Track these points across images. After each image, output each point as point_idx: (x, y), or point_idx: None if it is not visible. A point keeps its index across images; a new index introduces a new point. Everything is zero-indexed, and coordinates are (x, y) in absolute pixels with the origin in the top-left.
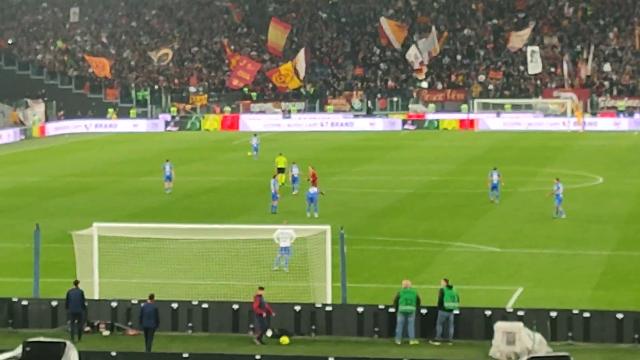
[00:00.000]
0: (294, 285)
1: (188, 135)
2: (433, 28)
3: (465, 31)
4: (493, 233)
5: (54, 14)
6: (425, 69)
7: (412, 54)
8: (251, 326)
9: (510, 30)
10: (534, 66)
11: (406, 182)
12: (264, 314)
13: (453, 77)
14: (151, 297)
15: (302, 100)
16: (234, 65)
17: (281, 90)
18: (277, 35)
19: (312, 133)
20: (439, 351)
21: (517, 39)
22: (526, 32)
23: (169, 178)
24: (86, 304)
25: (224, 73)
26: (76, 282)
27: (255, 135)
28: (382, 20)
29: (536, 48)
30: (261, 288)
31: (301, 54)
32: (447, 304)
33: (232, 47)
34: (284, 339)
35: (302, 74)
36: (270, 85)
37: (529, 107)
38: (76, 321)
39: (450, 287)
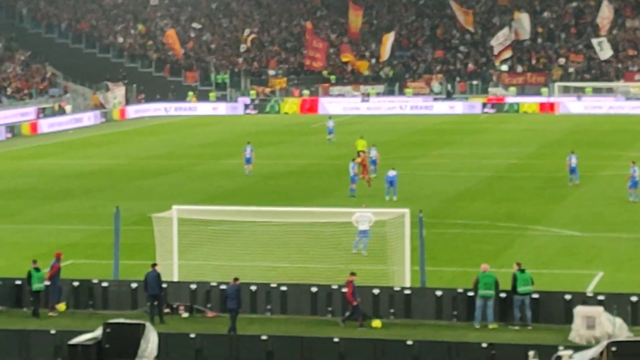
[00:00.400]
0: (372, 269)
1: (267, 118)
2: (521, 12)
3: (545, 14)
4: (573, 217)
5: None
6: (508, 53)
7: (501, 35)
8: (329, 309)
9: (590, 13)
10: (604, 53)
11: (485, 166)
12: (355, 303)
13: (533, 60)
14: (235, 279)
15: (381, 84)
16: (309, 46)
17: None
18: (353, 17)
19: (391, 116)
20: (518, 335)
21: (604, 21)
22: (609, 16)
23: (249, 160)
24: (164, 285)
25: (303, 56)
26: (154, 265)
27: (330, 118)
28: (451, 3)
29: (603, 39)
30: (353, 273)
31: (390, 37)
32: (520, 288)
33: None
34: (377, 322)
35: (385, 57)
36: (350, 69)
37: (610, 91)
38: (155, 303)
39: (522, 271)
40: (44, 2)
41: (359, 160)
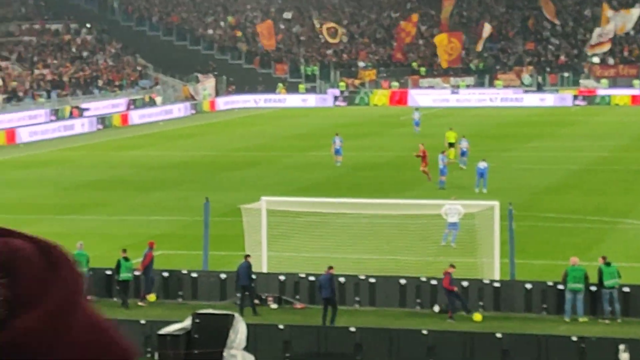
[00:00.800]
0: (461, 261)
1: (356, 110)
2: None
3: (637, 5)
4: None
5: None
6: (606, 47)
7: (603, 30)
8: (418, 301)
9: None
10: None
11: (576, 158)
12: (455, 289)
13: (625, 53)
14: (330, 267)
15: (471, 76)
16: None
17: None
18: (445, 8)
19: (480, 109)
20: (608, 329)
21: None
22: None
23: (338, 152)
24: (254, 277)
25: (393, 48)
26: (246, 256)
27: (417, 109)
28: None
29: None
30: (452, 266)
31: (486, 28)
32: (606, 282)
33: (402, 22)
34: (477, 316)
35: (479, 48)
36: (439, 61)
37: None
38: (246, 294)
39: (608, 264)
40: None
41: (418, 151)
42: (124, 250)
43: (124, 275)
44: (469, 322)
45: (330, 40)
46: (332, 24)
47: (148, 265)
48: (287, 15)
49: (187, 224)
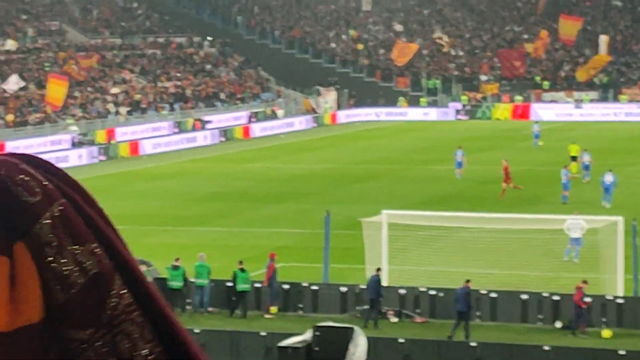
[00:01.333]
0: (583, 277)
1: (478, 124)
2: None
3: None
4: None
5: (347, 3)
6: None
7: None
8: (540, 316)
9: None
10: None
11: None
12: (585, 306)
13: None
14: (467, 281)
15: (595, 90)
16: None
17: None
18: (568, 27)
19: (605, 123)
20: None
21: None
22: None
23: (460, 164)
24: (381, 291)
25: (516, 61)
26: (377, 269)
27: (536, 122)
28: None
29: None
30: (584, 282)
31: (602, 42)
32: None
33: (526, 35)
34: (607, 332)
35: (598, 63)
36: (563, 74)
37: None
38: (371, 307)
39: None
40: (258, 9)
41: (503, 167)
42: (241, 262)
43: (241, 286)
44: (592, 338)
45: (451, 53)
46: (452, 38)
47: (271, 276)
48: (410, 29)
49: (307, 237)
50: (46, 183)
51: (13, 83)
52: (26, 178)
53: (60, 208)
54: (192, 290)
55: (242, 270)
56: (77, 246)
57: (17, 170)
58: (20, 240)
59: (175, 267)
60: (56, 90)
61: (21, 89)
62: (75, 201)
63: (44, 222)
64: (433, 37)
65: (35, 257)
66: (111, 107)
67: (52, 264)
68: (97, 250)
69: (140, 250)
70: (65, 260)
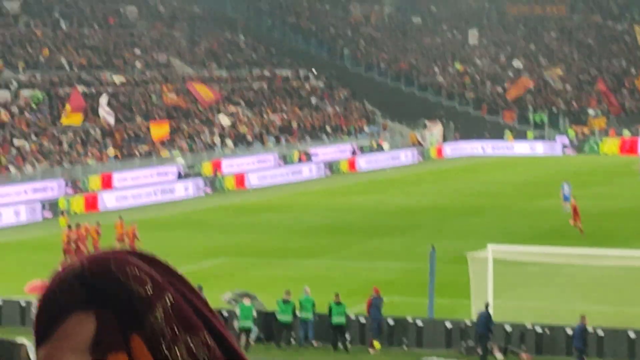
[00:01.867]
0: None
1: (585, 158)
2: None
3: None
4: None
5: (453, 36)
6: None
7: None
8: None
9: None
10: None
11: None
12: None
13: None
14: (582, 317)
15: None
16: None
17: None
18: None
19: None
20: None
21: None
22: None
23: (567, 198)
24: (491, 327)
25: (623, 97)
26: (486, 305)
27: None
28: None
29: None
30: None
31: None
32: None
33: (634, 70)
34: None
35: None
36: None
37: None
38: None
39: None
40: (364, 41)
41: (572, 205)
42: (337, 295)
43: (336, 319)
44: None
45: (558, 87)
46: (560, 71)
47: (372, 309)
48: (517, 63)
49: (412, 271)
50: (155, 275)
51: (106, 114)
52: (136, 271)
53: (170, 298)
54: (298, 324)
55: (338, 303)
56: (190, 336)
57: (126, 263)
58: (135, 333)
59: (286, 301)
60: (159, 131)
61: (127, 120)
62: (183, 292)
63: (157, 313)
64: (541, 71)
65: (152, 349)
66: (217, 139)
67: (168, 354)
68: (209, 340)
69: (244, 282)
70: (179, 351)
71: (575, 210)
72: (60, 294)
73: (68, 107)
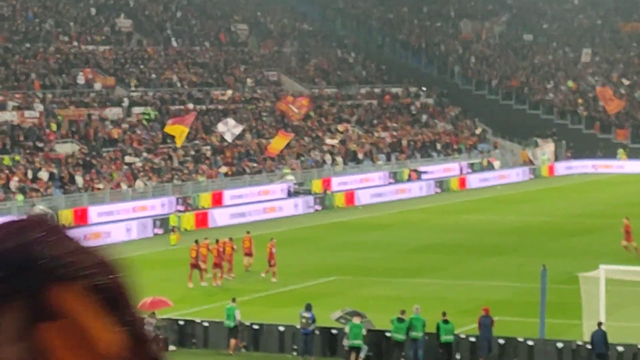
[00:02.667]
0: None
1: None
2: None
3: None
4: None
5: (565, 54)
6: None
7: None
8: None
9: None
10: None
11: None
12: None
13: None
14: None
15: None
16: None
17: None
18: None
19: None
20: None
21: None
22: None
23: None
24: (608, 346)
25: None
26: (599, 324)
27: None
28: None
29: None
30: None
31: None
32: None
33: None
34: None
35: None
36: None
37: None
38: None
39: None
40: (475, 59)
41: (624, 225)
42: (444, 314)
43: (444, 337)
44: None
45: None
46: None
47: (483, 329)
48: (627, 82)
49: (523, 291)
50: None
51: (231, 127)
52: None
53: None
54: (407, 344)
55: (446, 321)
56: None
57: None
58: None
59: (401, 320)
60: (279, 142)
61: (237, 138)
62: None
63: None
64: None
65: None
66: (327, 157)
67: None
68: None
69: (354, 301)
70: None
71: (627, 230)
72: None
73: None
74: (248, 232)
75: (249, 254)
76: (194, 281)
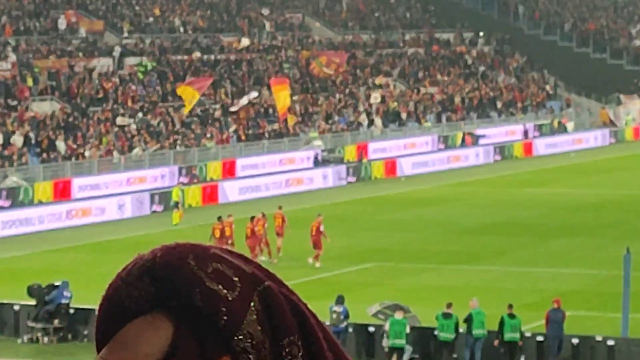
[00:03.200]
0: None
1: None
2: None
3: None
4: None
5: None
6: None
7: None
8: None
9: None
10: None
11: None
12: None
13: None
14: None
15: None
16: None
17: None
18: None
19: None
20: None
21: None
22: None
23: None
24: None
25: None
26: None
27: None
28: None
29: None
30: None
31: None
32: None
33: None
34: None
35: None
36: None
37: None
38: None
39: None
40: None
41: None
42: (510, 306)
43: (508, 335)
44: None
45: None
46: None
47: (552, 326)
48: None
49: (602, 280)
50: (246, 268)
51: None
52: (220, 266)
53: (264, 291)
54: (461, 342)
55: (512, 315)
56: (282, 339)
57: (209, 257)
58: (220, 353)
59: (447, 315)
60: (281, 97)
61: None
62: (275, 286)
63: (250, 319)
64: None
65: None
66: (363, 118)
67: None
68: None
69: (396, 292)
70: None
71: None
72: (126, 291)
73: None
74: (280, 208)
75: (279, 234)
76: None
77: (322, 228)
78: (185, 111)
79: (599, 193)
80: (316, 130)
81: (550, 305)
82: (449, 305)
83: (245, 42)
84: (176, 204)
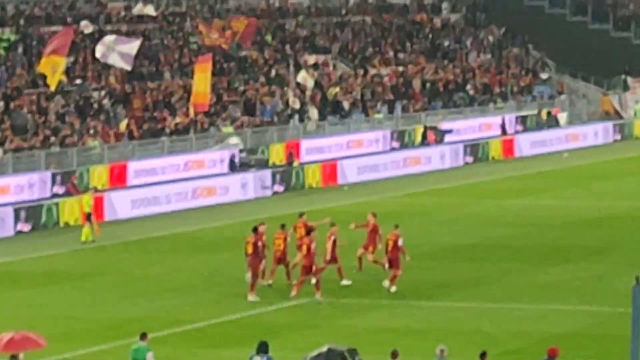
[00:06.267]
0: None
1: None
2: None
3: None
4: None
5: None
6: None
7: None
8: None
9: None
10: None
11: None
12: None
13: None
14: None
15: None
16: None
17: None
18: None
19: None
20: None
21: None
22: None
23: None
24: None
25: None
26: None
27: None
28: None
29: None
30: None
31: None
32: None
33: None
34: None
35: None
36: None
37: None
38: None
39: None
40: None
41: None
42: (483, 355)
43: None
44: None
45: None
46: None
47: None
48: None
49: (604, 318)
50: None
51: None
52: None
53: None
54: None
55: None
56: None
57: None
58: None
59: None
60: (201, 81)
61: (152, 77)
62: None
63: None
64: None
65: None
66: (293, 108)
67: None
68: None
69: (336, 336)
70: None
71: None
72: None
73: (48, 49)
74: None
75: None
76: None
77: (400, 242)
78: (52, 86)
79: (600, 206)
80: (232, 124)
81: (541, 356)
82: (395, 354)
83: (140, 8)
84: (88, 216)
